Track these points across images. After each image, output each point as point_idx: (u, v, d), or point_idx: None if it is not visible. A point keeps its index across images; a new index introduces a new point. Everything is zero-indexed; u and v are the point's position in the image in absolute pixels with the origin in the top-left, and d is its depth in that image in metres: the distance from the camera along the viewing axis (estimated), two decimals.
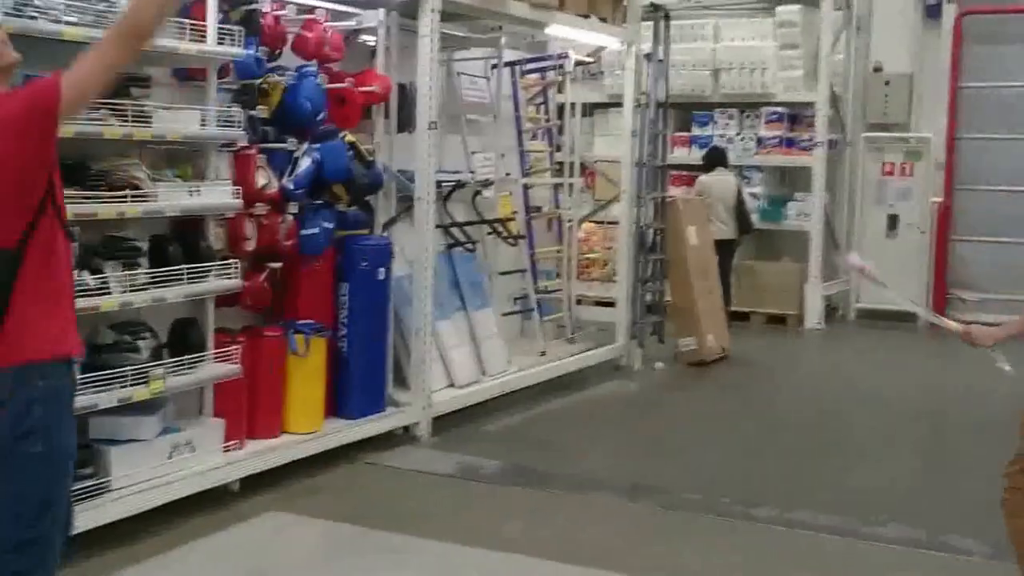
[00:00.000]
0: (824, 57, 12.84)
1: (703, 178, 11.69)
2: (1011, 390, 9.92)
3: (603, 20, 9.36)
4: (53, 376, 3.27)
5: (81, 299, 4.96)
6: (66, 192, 4.73)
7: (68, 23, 4.90)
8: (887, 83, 13.66)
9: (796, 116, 13.26)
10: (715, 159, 11.87)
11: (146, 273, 5.42)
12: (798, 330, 12.66)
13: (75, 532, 4.90)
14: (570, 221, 10.39)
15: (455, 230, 8.61)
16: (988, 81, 13.29)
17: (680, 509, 6.29)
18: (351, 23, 7.24)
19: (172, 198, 5.52)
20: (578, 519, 6.15)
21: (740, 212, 11.70)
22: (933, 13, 13.48)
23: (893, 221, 13.42)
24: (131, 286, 5.32)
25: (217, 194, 5.79)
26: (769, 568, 5.54)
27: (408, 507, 6.22)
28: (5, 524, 3.21)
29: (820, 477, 7.08)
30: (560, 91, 10.43)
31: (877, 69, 13.77)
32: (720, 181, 11.63)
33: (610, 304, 10.63)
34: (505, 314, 9.35)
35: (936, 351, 11.96)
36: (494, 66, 9.29)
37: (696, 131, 13.48)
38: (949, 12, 13.36)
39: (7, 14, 4.65)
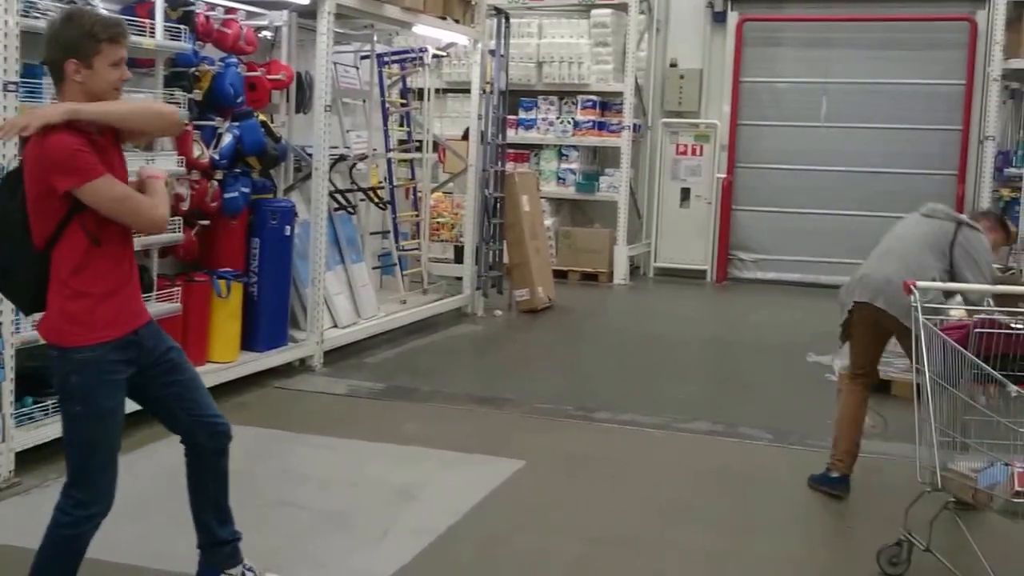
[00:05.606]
0: (630, 54, 13.90)
1: None
2: (784, 325, 11.61)
3: (456, 21, 10.36)
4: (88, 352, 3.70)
5: None
6: None
7: None
8: (681, 77, 14.79)
9: (607, 103, 14.27)
10: None
11: None
12: (608, 285, 13.82)
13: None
14: (420, 192, 11.34)
15: (338, 196, 9.50)
16: (763, 77, 14.48)
17: (535, 414, 7.38)
18: (260, 21, 8.09)
19: (136, 165, 6.33)
20: (456, 422, 7.17)
21: None
22: (719, 19, 14.65)
23: (686, 193, 14.62)
24: None
25: (168, 163, 6.62)
26: (611, 450, 6.66)
27: (320, 417, 7.19)
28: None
29: (640, 390, 8.24)
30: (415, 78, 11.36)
31: (673, 65, 14.90)
32: None
33: (447, 261, 11.69)
34: (374, 268, 10.28)
35: (720, 299, 13.51)
36: (364, 57, 10.19)
37: (522, 115, 14.46)
38: (732, 18, 14.54)
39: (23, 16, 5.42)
